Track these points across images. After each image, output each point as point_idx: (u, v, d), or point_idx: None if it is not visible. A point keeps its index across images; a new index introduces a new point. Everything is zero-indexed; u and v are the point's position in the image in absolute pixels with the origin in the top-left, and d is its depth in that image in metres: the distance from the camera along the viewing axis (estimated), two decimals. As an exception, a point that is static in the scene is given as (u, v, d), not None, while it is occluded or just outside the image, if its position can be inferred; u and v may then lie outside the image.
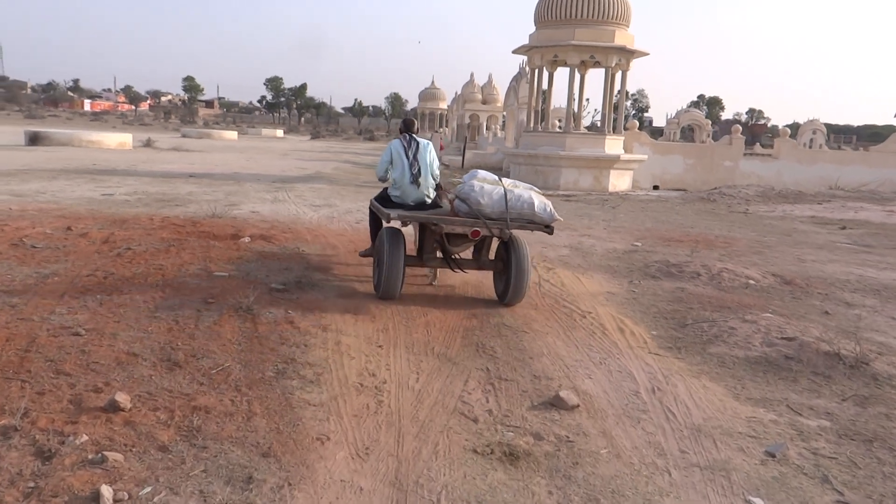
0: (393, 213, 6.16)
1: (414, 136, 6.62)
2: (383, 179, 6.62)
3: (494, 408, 4.13)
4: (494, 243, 6.83)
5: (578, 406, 4.21)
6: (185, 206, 11.84)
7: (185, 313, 5.33)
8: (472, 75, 45.90)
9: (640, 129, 23.92)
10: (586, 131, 22.71)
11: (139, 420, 3.62)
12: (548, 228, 6.17)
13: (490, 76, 46.07)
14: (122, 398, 3.77)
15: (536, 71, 21.10)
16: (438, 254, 6.57)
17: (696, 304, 6.83)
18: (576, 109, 21.07)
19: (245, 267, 6.94)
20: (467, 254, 7.03)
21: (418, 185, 6.45)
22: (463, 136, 39.18)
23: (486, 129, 42.82)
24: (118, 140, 30.48)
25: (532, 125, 21.49)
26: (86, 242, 7.89)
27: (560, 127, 26.86)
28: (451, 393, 4.29)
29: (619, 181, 20.33)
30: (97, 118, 79.93)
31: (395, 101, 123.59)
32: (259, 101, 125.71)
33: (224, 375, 4.24)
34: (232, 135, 53.27)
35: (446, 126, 57.56)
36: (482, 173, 6.24)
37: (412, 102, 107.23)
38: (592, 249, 9.83)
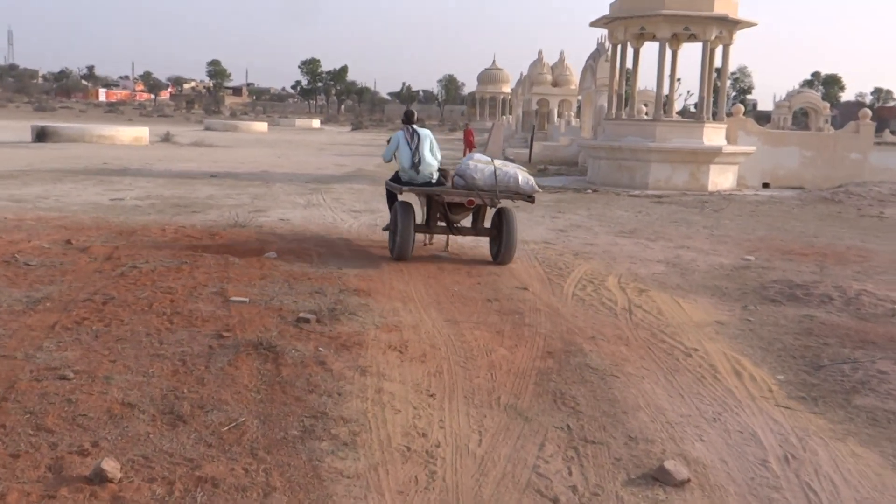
0: (405, 187, 8.76)
1: (415, 127, 8.98)
2: (388, 161, 9.29)
3: (580, 483, 3.73)
4: (490, 214, 9.12)
5: (689, 481, 3.79)
6: (203, 213, 11.80)
7: (194, 350, 5.12)
8: (540, 53, 45.39)
9: (744, 114, 23.12)
10: (679, 118, 22.02)
11: (130, 496, 3.36)
12: (530, 198, 8.69)
13: (562, 54, 45.44)
14: (111, 466, 3.52)
15: (619, 47, 20.55)
16: (442, 223, 9.06)
17: (831, 337, 6.31)
18: (667, 92, 20.41)
19: (269, 290, 6.75)
20: (467, 223, 9.41)
21: (419, 171, 8.81)
22: (530, 124, 38.71)
23: (558, 116, 42.21)
24: (133, 135, 31.12)
25: (614, 111, 20.92)
26: (86, 259, 7.81)
27: (648, 113, 26.14)
28: (524, 461, 3.92)
29: (721, 178, 19.61)
30: (112, 109, 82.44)
31: (450, 84, 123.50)
32: (293, 87, 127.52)
33: (237, 434, 3.96)
34: (262, 126, 54.01)
35: (510, 113, 57.01)
36: (478, 155, 8.97)
37: (469, 85, 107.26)
38: (693, 265, 9.34)
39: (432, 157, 8.88)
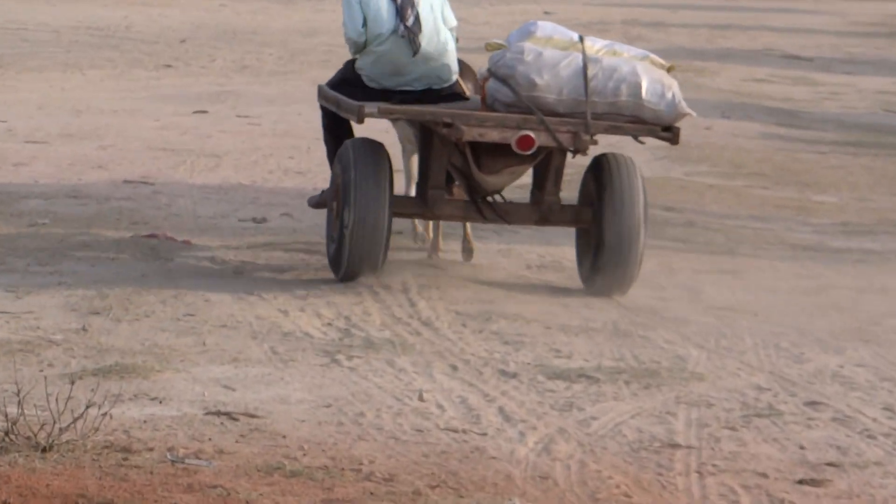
0: (369, 106, 5.11)
1: None
2: (359, 43, 5.51)
3: None
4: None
5: None
6: None
7: None
8: None
9: None
10: None
11: None
12: (667, 132, 5.14)
13: None
14: None
15: None
16: (458, 195, 5.59)
17: None
18: None
19: None
20: (518, 192, 5.99)
21: (415, 53, 5.40)
22: None
23: None
24: None
25: None
26: None
27: None
28: None
29: None
30: None
31: None
32: None
33: None
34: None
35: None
36: (544, 26, 5.36)
37: None
38: None
39: (445, 28, 5.47)
